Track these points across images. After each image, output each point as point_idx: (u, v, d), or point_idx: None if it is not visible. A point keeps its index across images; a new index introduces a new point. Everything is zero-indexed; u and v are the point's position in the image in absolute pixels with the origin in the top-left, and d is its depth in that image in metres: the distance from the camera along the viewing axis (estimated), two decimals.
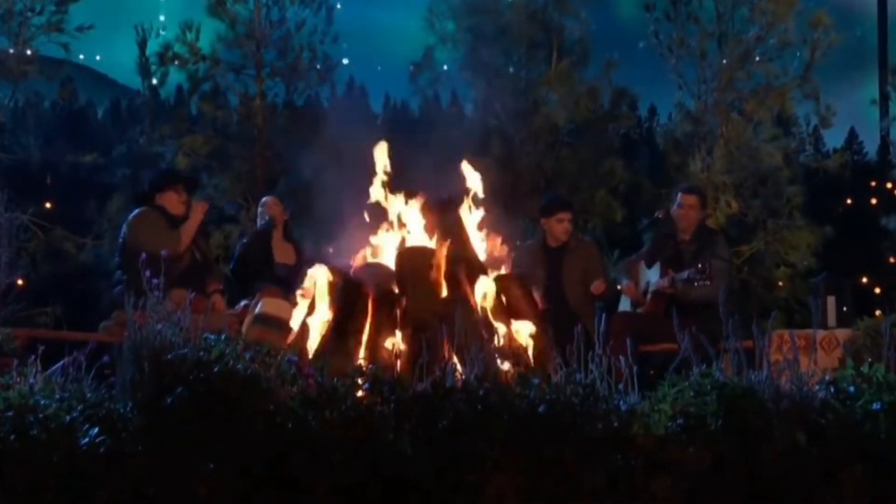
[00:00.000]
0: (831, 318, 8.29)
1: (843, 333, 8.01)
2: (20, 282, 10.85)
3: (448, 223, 6.81)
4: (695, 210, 8.70)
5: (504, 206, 10.65)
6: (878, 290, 13.50)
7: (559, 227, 8.89)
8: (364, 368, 4.85)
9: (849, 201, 14.79)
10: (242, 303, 8.27)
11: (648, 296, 8.58)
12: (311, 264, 8.45)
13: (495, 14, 11.80)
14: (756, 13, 11.27)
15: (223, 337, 4.82)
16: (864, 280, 13.74)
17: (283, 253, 8.88)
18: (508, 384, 4.79)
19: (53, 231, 11.19)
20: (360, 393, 4.71)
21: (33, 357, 5.51)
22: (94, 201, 11.94)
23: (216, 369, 4.64)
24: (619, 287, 8.99)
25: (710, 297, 8.07)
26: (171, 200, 8.43)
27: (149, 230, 8.19)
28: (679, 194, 8.84)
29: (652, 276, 8.69)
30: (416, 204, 6.95)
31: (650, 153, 14.20)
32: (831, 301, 8.34)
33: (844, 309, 8.48)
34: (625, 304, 8.95)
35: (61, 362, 7.72)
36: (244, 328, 7.72)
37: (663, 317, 8.20)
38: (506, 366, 5.83)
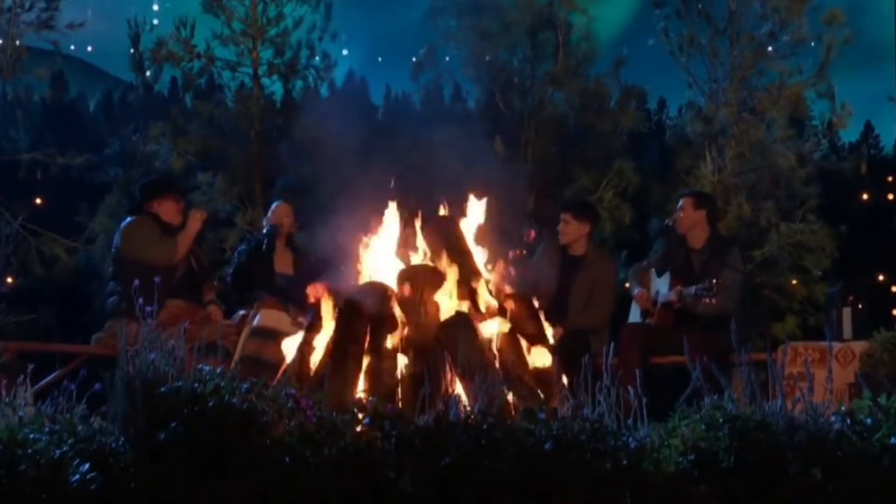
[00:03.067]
0: (847, 330, 8.25)
1: (859, 346, 7.96)
2: (10, 280, 10.85)
3: (450, 240, 6.76)
4: (688, 213, 8.64)
5: (508, 208, 10.68)
6: (895, 289, 13.50)
7: (560, 226, 8.91)
8: (364, 401, 4.81)
9: (865, 197, 14.77)
10: (240, 312, 8.25)
11: (658, 306, 8.55)
12: (310, 276, 8.51)
13: (499, 11, 11.73)
14: (768, 9, 11.18)
15: (219, 370, 4.77)
16: (881, 278, 13.74)
17: (283, 262, 8.85)
18: (514, 417, 4.75)
19: (44, 235, 11.13)
20: (359, 427, 4.67)
21: (22, 376, 5.50)
22: (86, 202, 11.90)
23: (211, 403, 4.60)
24: (633, 293, 8.96)
25: (721, 310, 8.08)
26: (169, 209, 8.40)
27: (142, 240, 8.16)
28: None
29: (661, 285, 8.66)
30: (417, 219, 6.90)
31: (659, 148, 14.18)
32: (847, 313, 8.30)
33: (860, 306, 8.44)
34: (635, 312, 8.93)
35: (52, 375, 7.81)
36: (241, 340, 7.73)
37: (672, 328, 8.21)
38: (510, 396, 5.83)
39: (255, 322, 7.82)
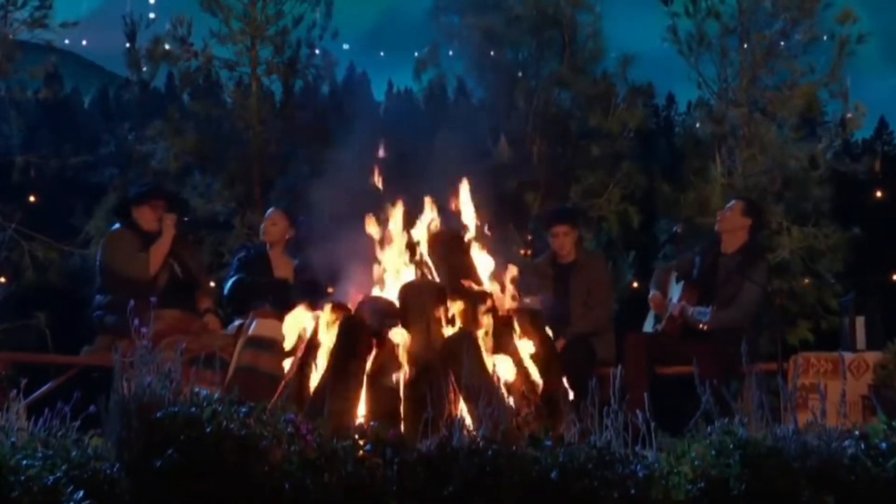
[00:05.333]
0: (860, 340, 8.20)
1: (872, 357, 7.94)
2: (3, 279, 10.83)
3: (454, 253, 6.72)
4: (735, 216, 8.59)
5: (513, 213, 10.66)
6: None
7: (555, 241, 8.88)
8: (365, 426, 4.80)
9: (879, 194, 14.69)
10: (237, 322, 8.22)
11: (667, 315, 8.51)
12: (310, 282, 8.48)
13: (504, 9, 11.67)
14: (780, 7, 11.13)
15: (216, 396, 4.75)
16: (895, 278, 13.65)
17: (281, 269, 8.81)
18: (519, 443, 4.73)
19: (37, 239, 11.08)
20: (361, 453, 4.65)
21: (15, 391, 5.50)
22: (82, 203, 11.85)
23: (209, 429, 4.58)
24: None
25: (732, 323, 8.06)
26: (146, 216, 8.39)
27: (118, 253, 8.20)
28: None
29: (676, 292, 8.62)
30: (420, 232, 6.86)
31: (668, 146, 14.12)
32: (860, 322, 8.25)
33: (876, 304, 8.41)
34: (650, 318, 8.88)
35: (46, 386, 7.80)
36: (237, 350, 7.71)
37: (680, 338, 8.20)
38: (511, 401, 5.82)
39: (250, 331, 7.80)
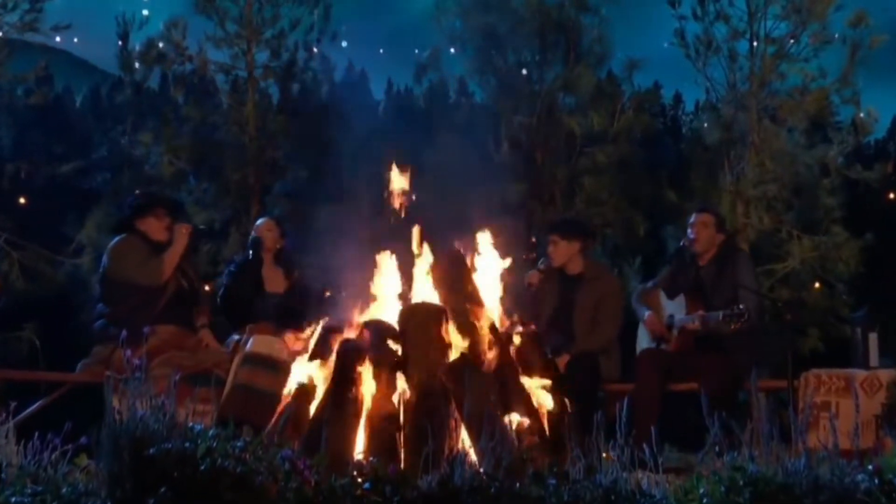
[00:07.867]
0: (873, 357, 8.14)
1: (886, 374, 7.87)
2: None
3: (455, 275, 6.68)
4: (710, 233, 8.56)
5: (515, 218, 10.63)
6: None
7: (549, 248, 8.83)
8: (364, 461, 4.77)
9: (891, 196, 14.67)
10: (234, 338, 8.19)
11: (675, 331, 8.45)
12: (303, 294, 8.44)
13: (507, 12, 11.63)
14: (790, 10, 11.07)
15: (211, 432, 4.71)
16: None
17: (272, 281, 8.77)
18: (523, 478, 4.70)
19: (27, 249, 11.05)
20: (359, 492, 4.62)
21: (5, 414, 5.48)
22: (73, 209, 11.82)
23: (203, 467, 4.54)
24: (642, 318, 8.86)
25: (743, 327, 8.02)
26: (152, 226, 8.36)
27: (128, 260, 8.15)
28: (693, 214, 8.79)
29: (674, 308, 8.56)
30: (420, 253, 6.83)
31: (674, 150, 14.09)
32: (873, 338, 8.19)
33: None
34: (644, 336, 8.82)
35: (36, 404, 7.78)
36: (233, 368, 7.68)
37: (691, 354, 8.15)
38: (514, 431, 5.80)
39: (247, 348, 7.76)
